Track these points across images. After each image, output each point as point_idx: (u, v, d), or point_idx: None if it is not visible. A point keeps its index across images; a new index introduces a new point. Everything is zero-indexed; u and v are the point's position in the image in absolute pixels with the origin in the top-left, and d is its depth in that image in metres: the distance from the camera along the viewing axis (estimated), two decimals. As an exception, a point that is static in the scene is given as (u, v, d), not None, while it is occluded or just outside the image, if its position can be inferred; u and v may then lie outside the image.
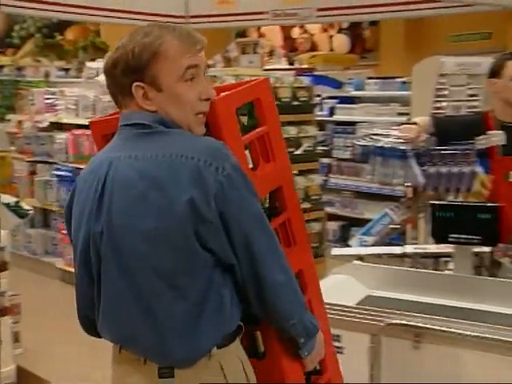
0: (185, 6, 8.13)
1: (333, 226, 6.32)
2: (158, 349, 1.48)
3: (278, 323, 1.57)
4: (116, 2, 7.65)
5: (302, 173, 4.91)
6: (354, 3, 7.70)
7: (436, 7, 7.18)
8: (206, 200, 1.41)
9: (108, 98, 3.58)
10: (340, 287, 2.40)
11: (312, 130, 4.95)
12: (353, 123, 5.96)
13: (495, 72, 3.12)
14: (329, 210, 6.34)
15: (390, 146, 2.71)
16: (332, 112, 6.59)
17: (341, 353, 2.11)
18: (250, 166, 1.67)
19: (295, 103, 4.80)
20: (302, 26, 10.16)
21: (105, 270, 1.51)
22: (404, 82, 5.89)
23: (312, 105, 5.02)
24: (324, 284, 2.43)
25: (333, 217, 6.35)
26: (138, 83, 1.48)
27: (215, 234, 1.44)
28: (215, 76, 4.23)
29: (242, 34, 9.96)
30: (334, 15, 8.14)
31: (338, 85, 7.09)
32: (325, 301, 2.18)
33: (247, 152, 1.67)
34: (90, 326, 1.63)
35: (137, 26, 1.54)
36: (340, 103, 6.55)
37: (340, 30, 10.17)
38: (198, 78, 1.51)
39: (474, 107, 5.06)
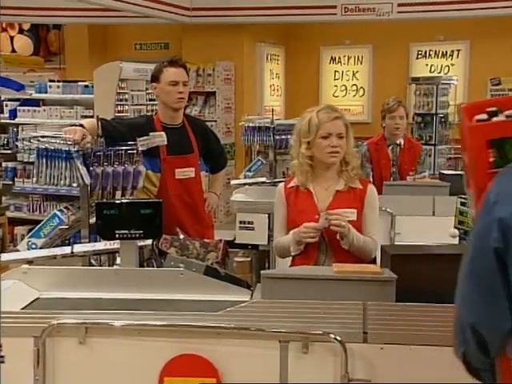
0: None
1: (21, 230, 6.16)
2: None
3: None
4: None
5: (-23, 179, 4.59)
6: (33, 5, 7.43)
7: (117, 16, 7.39)
8: None
9: None
10: (6, 293, 2.31)
11: (-14, 134, 4.65)
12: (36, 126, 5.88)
13: (155, 77, 3.38)
14: (16, 214, 6.25)
15: (54, 147, 2.71)
16: (14, 114, 6.37)
17: (2, 362, 2.04)
18: None
19: (-36, 105, 4.45)
20: (-24, 24, 9.44)
21: None
22: (87, 86, 5.95)
23: (-14, 107, 4.71)
24: (-14, 292, 2.34)
25: (21, 221, 6.19)
26: None
27: None
28: None
29: None
30: (11, 15, 7.74)
31: (20, 87, 6.83)
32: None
33: None
34: None
35: None
36: (22, 105, 6.35)
37: (22, 31, 9.73)
38: None
39: (154, 111, 5.35)
